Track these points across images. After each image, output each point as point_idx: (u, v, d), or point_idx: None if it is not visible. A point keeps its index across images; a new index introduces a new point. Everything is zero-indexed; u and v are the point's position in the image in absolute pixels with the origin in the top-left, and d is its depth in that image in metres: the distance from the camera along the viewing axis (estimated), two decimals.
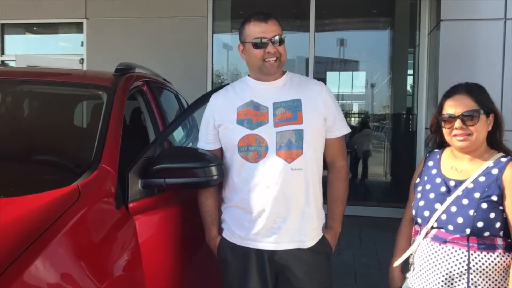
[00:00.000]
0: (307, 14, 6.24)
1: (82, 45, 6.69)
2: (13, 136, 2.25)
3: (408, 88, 6.91)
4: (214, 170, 1.93)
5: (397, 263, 1.88)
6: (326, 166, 2.09)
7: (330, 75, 7.67)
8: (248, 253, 1.96)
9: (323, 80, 7.11)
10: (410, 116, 6.69)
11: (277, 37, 1.93)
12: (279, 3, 6.56)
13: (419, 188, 1.85)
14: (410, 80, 6.83)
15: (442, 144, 1.88)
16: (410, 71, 6.82)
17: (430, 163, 1.87)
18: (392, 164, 6.91)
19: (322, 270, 2.01)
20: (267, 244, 1.94)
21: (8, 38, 7.18)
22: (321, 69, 7.19)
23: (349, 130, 2.11)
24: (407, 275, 1.87)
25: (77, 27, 6.77)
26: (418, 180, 1.89)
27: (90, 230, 1.61)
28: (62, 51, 7.31)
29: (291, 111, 1.94)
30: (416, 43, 6.25)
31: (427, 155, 1.92)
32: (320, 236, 2.01)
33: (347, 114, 7.76)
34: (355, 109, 8.32)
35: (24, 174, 1.88)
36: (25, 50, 7.25)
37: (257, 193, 1.92)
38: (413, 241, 1.85)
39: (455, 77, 1.82)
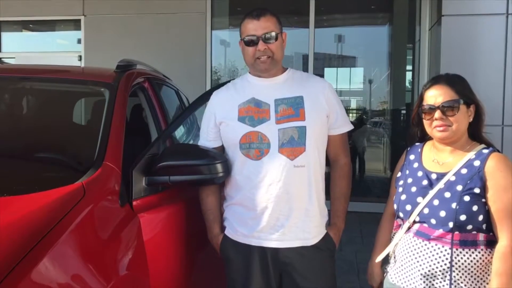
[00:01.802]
0: (306, 10, 6.21)
1: (79, 42, 6.65)
2: (15, 134, 2.23)
3: (410, 83, 6.89)
4: (219, 167, 1.91)
5: (378, 258, 1.87)
6: (328, 162, 2.08)
7: (330, 71, 7.65)
8: (251, 251, 1.95)
9: (323, 76, 7.09)
10: (410, 112, 6.68)
11: (269, 34, 1.91)
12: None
13: (401, 182, 1.83)
14: (411, 75, 6.82)
15: (424, 138, 1.86)
16: (410, 67, 6.80)
17: (412, 157, 1.86)
18: (391, 160, 6.90)
19: (326, 267, 2.00)
20: (271, 242, 1.93)
21: (5, 36, 7.14)
22: (321, 65, 7.17)
23: (352, 127, 2.10)
24: (388, 268, 1.85)
25: (75, 24, 6.73)
26: (399, 174, 1.88)
27: (96, 229, 1.59)
28: (60, 48, 7.27)
29: (293, 108, 1.93)
30: (416, 39, 6.23)
31: (408, 149, 1.91)
32: (323, 233, 2.00)
33: (348, 110, 7.75)
34: (356, 105, 8.32)
35: (29, 172, 1.86)
36: (22, 48, 7.21)
37: (259, 190, 1.90)
38: (394, 235, 1.83)
39: (457, 72, 1.80)
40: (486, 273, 1.65)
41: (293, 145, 1.90)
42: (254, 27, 1.91)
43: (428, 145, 1.85)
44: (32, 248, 1.27)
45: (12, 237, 1.30)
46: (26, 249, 1.26)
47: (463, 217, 1.62)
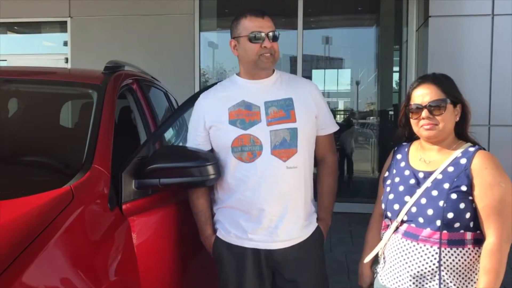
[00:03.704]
0: (294, 12, 6.21)
1: (65, 44, 6.58)
2: (1, 138, 2.18)
3: (397, 85, 6.93)
4: (211, 169, 1.90)
5: (367, 259, 1.86)
6: (315, 162, 2.10)
7: (318, 73, 7.67)
8: (245, 252, 1.95)
9: (311, 78, 7.10)
10: (398, 113, 6.70)
11: (274, 33, 1.93)
12: (266, 1, 6.52)
13: (388, 182, 1.83)
14: (398, 76, 6.86)
15: (411, 138, 1.87)
16: (398, 68, 6.84)
17: (399, 156, 1.86)
18: (379, 160, 6.94)
19: (317, 260, 2.04)
20: (265, 243, 1.93)
21: None
22: (309, 66, 7.18)
23: (338, 128, 2.14)
24: (377, 269, 1.85)
25: (61, 26, 6.66)
26: (386, 174, 1.88)
27: (85, 233, 1.57)
28: (46, 51, 7.19)
29: (284, 109, 1.94)
30: (404, 40, 6.27)
31: (395, 148, 1.91)
32: (313, 229, 2.03)
33: (336, 112, 7.76)
34: (344, 106, 8.34)
35: (16, 176, 1.83)
36: (7, 50, 7.10)
37: (253, 193, 1.90)
38: (383, 235, 1.83)
39: (444, 73, 1.81)
40: (474, 271, 1.66)
41: (285, 146, 1.91)
42: (260, 24, 1.92)
43: (415, 145, 1.85)
44: (20, 253, 1.25)
45: (0, 242, 1.27)
46: (13, 254, 1.24)
47: (450, 215, 1.62)
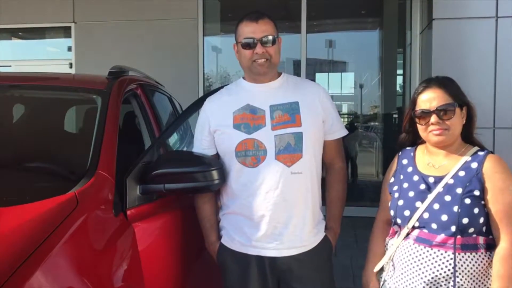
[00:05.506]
0: (298, 16, 6.21)
1: (69, 49, 6.60)
2: (6, 144, 2.18)
3: (401, 88, 6.91)
4: (215, 174, 1.89)
5: (376, 267, 1.83)
6: (324, 168, 2.07)
7: (322, 76, 7.66)
8: (249, 260, 1.93)
9: (314, 81, 7.09)
10: (402, 116, 6.68)
11: (268, 38, 1.90)
12: (270, 5, 6.53)
13: (395, 188, 1.80)
14: (402, 80, 6.84)
15: (414, 142, 1.85)
16: (402, 71, 6.82)
17: (405, 161, 1.83)
18: (384, 164, 6.91)
19: (324, 270, 1.99)
20: (269, 251, 1.90)
21: None
22: (312, 70, 7.17)
23: (347, 132, 2.10)
24: (384, 277, 1.82)
25: (65, 32, 6.68)
26: (392, 179, 1.85)
27: (90, 239, 1.56)
28: (50, 56, 7.21)
29: (289, 113, 1.91)
30: (407, 43, 6.25)
31: (400, 153, 1.88)
32: (321, 237, 1.98)
33: (339, 115, 7.71)
34: (348, 109, 8.34)
35: (20, 183, 1.82)
36: (12, 56, 7.14)
37: (256, 198, 1.88)
38: (389, 241, 1.81)
39: (449, 75, 1.80)
40: (486, 276, 1.64)
41: (290, 151, 1.88)
42: (253, 29, 1.89)
43: (420, 149, 1.83)
44: (24, 261, 1.24)
45: (3, 249, 1.27)
46: (18, 262, 1.23)
47: (465, 220, 1.61)
